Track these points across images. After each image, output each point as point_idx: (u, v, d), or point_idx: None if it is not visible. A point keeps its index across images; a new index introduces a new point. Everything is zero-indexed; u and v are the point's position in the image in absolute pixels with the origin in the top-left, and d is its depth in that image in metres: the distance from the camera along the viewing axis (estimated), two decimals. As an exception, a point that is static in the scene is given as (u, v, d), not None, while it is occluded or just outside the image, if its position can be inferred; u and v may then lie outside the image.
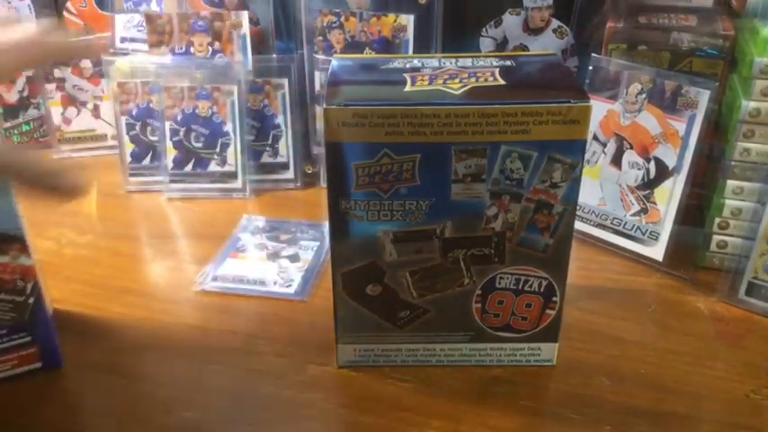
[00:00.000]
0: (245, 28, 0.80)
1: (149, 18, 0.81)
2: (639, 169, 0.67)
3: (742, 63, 0.64)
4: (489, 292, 0.52)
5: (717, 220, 0.65)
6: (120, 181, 0.84)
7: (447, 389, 0.53)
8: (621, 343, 0.58)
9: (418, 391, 0.53)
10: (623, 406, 0.51)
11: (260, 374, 0.55)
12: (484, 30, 0.80)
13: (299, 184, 0.84)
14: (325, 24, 0.79)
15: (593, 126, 0.69)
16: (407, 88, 0.47)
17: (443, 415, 0.50)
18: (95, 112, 0.92)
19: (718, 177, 0.64)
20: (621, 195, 0.69)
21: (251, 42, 0.80)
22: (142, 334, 0.59)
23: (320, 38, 0.80)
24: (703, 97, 0.62)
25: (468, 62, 0.51)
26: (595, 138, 0.69)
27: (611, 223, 0.70)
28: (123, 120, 0.83)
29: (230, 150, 0.82)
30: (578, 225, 0.70)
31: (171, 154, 0.82)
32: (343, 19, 0.78)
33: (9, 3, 0.87)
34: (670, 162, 0.65)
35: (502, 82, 0.48)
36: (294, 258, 0.69)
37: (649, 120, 0.66)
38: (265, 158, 0.84)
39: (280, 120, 0.83)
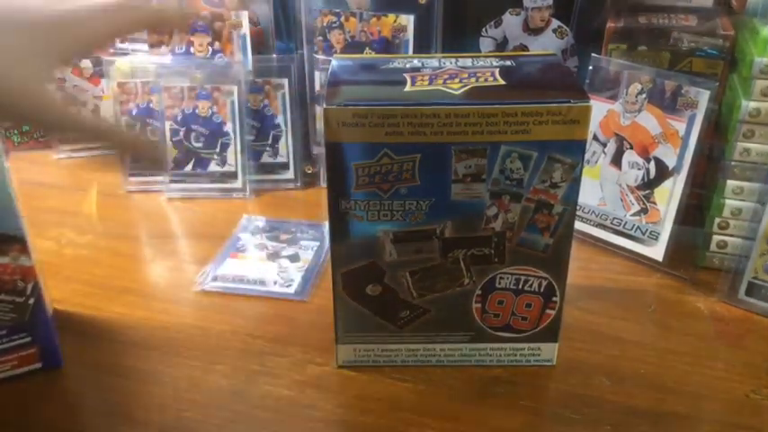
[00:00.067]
0: (245, 28, 0.80)
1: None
2: (639, 169, 0.67)
3: (742, 63, 0.64)
4: (489, 292, 0.52)
5: (717, 220, 0.65)
6: (120, 181, 0.84)
7: (447, 389, 0.53)
8: (621, 343, 0.58)
9: (418, 391, 0.53)
10: (623, 406, 0.51)
11: (260, 374, 0.55)
12: (484, 30, 0.80)
13: (299, 184, 0.84)
14: (325, 24, 0.79)
15: (594, 126, 0.69)
16: (407, 88, 0.47)
17: (443, 415, 0.51)
18: (95, 112, 0.92)
19: (718, 177, 0.64)
20: (621, 195, 0.69)
21: (251, 42, 0.80)
22: (142, 334, 0.59)
23: (320, 38, 0.80)
24: (703, 97, 0.62)
25: (468, 62, 0.51)
26: (595, 138, 0.69)
27: (611, 223, 0.70)
28: (123, 120, 0.83)
29: (230, 150, 0.82)
30: (578, 225, 0.70)
31: (171, 154, 0.82)
32: (343, 19, 0.78)
33: None
34: (670, 162, 0.65)
35: (502, 82, 0.48)
36: (294, 258, 0.69)
37: (649, 120, 0.66)
38: (265, 158, 0.84)
39: (280, 120, 0.83)
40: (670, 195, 0.65)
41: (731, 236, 0.65)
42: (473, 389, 0.53)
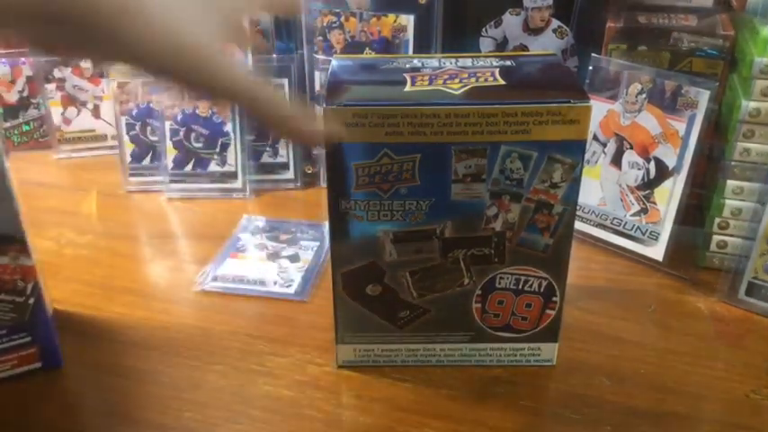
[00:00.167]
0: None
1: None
2: (639, 169, 0.67)
3: (742, 63, 0.64)
4: (489, 292, 0.52)
5: (717, 220, 0.65)
6: (120, 181, 0.84)
7: (447, 389, 0.53)
8: (621, 343, 0.58)
9: (418, 391, 0.53)
10: (623, 406, 0.51)
11: (260, 374, 0.55)
12: (484, 30, 0.80)
13: (299, 184, 0.84)
14: (325, 24, 0.79)
15: (594, 126, 0.69)
16: (407, 88, 0.47)
17: (443, 415, 0.50)
18: (95, 112, 0.92)
19: (719, 177, 0.64)
20: (621, 195, 0.69)
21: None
22: (142, 334, 0.59)
23: (320, 38, 0.80)
24: (703, 97, 0.62)
25: (469, 62, 0.51)
26: (595, 138, 0.69)
27: (612, 223, 0.70)
28: (123, 120, 0.83)
29: (230, 150, 0.82)
30: (578, 225, 0.70)
31: (171, 154, 0.82)
32: (343, 19, 0.78)
33: None
34: (670, 162, 0.65)
35: (502, 82, 0.48)
36: (294, 258, 0.69)
37: (649, 120, 0.66)
38: (265, 158, 0.84)
39: (280, 120, 0.83)
40: (670, 195, 0.65)
41: (731, 236, 0.65)
42: (473, 389, 0.53)
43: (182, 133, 0.82)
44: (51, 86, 0.89)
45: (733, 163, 0.62)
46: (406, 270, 0.51)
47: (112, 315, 0.62)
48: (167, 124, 0.81)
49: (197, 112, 0.81)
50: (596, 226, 0.71)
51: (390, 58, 0.53)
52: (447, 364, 0.55)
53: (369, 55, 0.77)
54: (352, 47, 0.79)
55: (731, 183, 0.63)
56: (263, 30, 0.83)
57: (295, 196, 0.83)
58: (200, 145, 0.82)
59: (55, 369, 0.55)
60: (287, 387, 0.53)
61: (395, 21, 0.77)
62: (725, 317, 0.61)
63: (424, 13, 0.77)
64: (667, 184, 0.66)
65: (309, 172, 0.85)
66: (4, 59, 0.90)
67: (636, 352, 0.57)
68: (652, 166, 0.66)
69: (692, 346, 0.57)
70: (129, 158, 0.84)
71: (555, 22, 0.77)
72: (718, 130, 0.66)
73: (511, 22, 0.79)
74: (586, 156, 0.64)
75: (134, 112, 0.83)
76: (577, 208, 0.49)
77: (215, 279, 0.66)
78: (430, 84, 0.47)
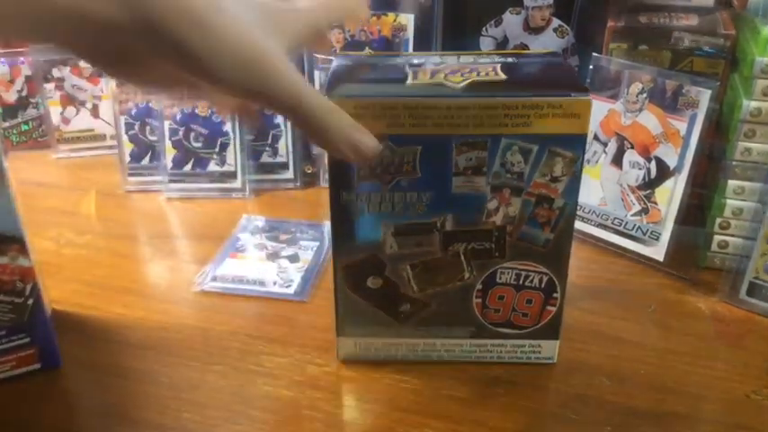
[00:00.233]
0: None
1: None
2: (640, 169, 0.67)
3: (743, 62, 0.63)
4: (490, 287, 0.52)
5: (718, 220, 0.64)
6: (120, 181, 0.84)
7: (447, 389, 0.53)
8: (622, 343, 0.58)
9: (418, 391, 0.53)
10: (623, 406, 0.51)
11: (259, 375, 0.54)
12: (484, 29, 0.79)
13: (298, 184, 0.84)
14: (324, 24, 0.79)
15: (594, 126, 0.69)
16: (409, 81, 0.47)
17: (443, 415, 0.50)
18: (94, 111, 0.92)
19: (720, 177, 0.64)
20: (622, 195, 0.69)
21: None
22: (141, 334, 0.59)
23: (320, 37, 0.79)
24: (704, 97, 0.62)
25: (470, 59, 0.51)
26: (596, 137, 0.69)
27: (612, 223, 0.70)
28: (122, 119, 0.83)
29: (230, 150, 0.82)
30: (579, 225, 0.70)
31: (170, 154, 0.82)
32: (342, 18, 0.78)
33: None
34: (671, 162, 0.65)
35: (503, 77, 0.47)
36: (294, 258, 0.69)
37: (650, 119, 0.66)
38: (265, 158, 0.84)
39: (279, 119, 0.83)
40: (671, 195, 0.65)
41: (732, 236, 0.65)
42: (473, 389, 0.53)
43: (181, 133, 0.82)
44: (50, 86, 0.89)
45: (734, 163, 0.62)
46: (406, 263, 0.51)
47: (111, 315, 0.61)
48: (166, 124, 0.81)
49: (196, 111, 0.81)
50: (597, 226, 0.70)
51: (392, 54, 0.53)
52: (448, 360, 0.54)
53: (370, 53, 0.77)
54: (352, 46, 0.79)
55: (732, 182, 0.63)
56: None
57: (295, 196, 0.83)
58: (199, 144, 0.82)
59: (54, 369, 0.54)
60: (286, 387, 0.53)
61: (395, 20, 0.77)
62: (726, 317, 0.61)
63: (424, 13, 0.77)
64: (668, 183, 0.65)
65: (309, 172, 0.85)
66: (2, 59, 0.90)
67: (636, 352, 0.57)
68: (653, 165, 0.66)
69: (693, 347, 0.57)
70: (128, 158, 0.84)
71: (555, 22, 0.77)
72: (719, 129, 0.66)
73: (511, 22, 0.78)
74: (587, 156, 0.64)
75: (133, 112, 0.83)
76: (578, 208, 0.49)
77: (214, 279, 0.66)
78: (432, 77, 0.47)
